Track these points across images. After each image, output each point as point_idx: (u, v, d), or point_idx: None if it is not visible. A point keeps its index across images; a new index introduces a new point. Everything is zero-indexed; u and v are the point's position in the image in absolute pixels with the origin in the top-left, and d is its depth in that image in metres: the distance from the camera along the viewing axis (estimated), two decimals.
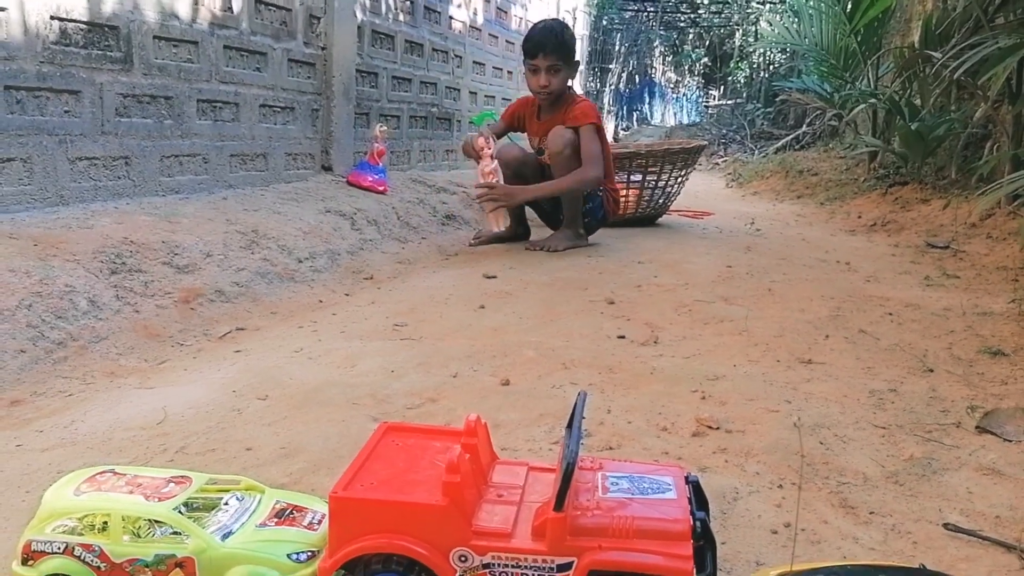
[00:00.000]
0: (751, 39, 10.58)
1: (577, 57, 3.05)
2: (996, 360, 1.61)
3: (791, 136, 7.53)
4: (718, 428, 1.24)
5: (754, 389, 1.43)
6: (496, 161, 2.79)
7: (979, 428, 1.24)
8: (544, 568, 0.69)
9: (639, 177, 3.69)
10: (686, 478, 0.78)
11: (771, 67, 10.16)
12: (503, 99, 5.15)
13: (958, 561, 0.87)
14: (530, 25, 5.78)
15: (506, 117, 3.21)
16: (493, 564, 0.70)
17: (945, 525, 0.94)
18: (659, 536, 0.69)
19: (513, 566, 0.69)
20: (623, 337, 1.78)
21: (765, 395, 1.40)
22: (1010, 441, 1.20)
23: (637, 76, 13.27)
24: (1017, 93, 3.19)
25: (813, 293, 2.24)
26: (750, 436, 1.22)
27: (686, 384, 1.45)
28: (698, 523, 0.70)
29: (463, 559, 0.70)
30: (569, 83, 3.08)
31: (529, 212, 3.27)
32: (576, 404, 0.79)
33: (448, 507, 0.70)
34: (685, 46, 13.04)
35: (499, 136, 3.09)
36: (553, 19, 3.32)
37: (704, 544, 0.70)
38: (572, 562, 0.68)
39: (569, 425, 0.77)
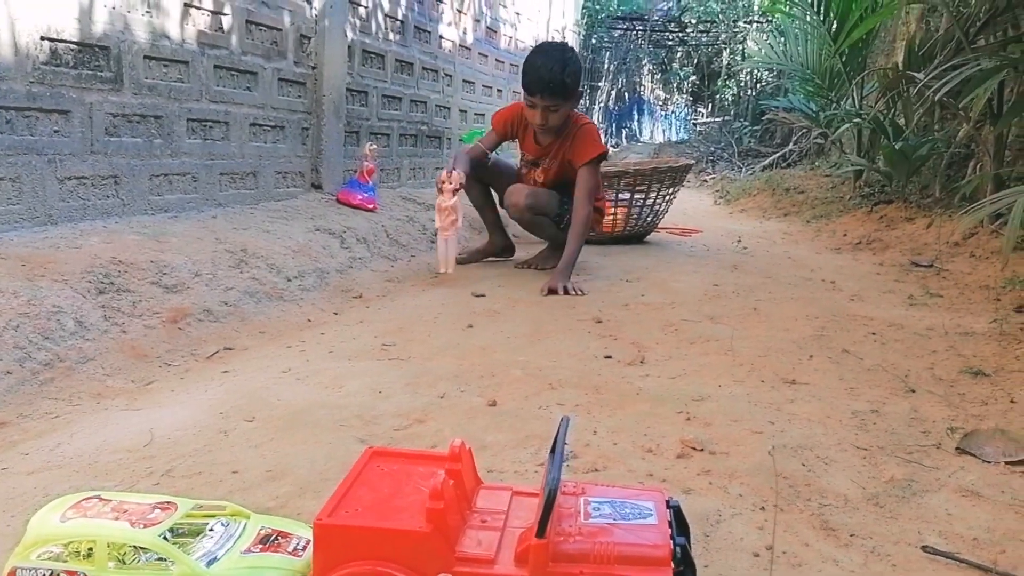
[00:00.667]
0: (738, 58, 10.69)
1: (580, 87, 2.82)
2: (977, 380, 1.63)
3: (778, 154, 7.61)
4: (702, 450, 1.25)
5: (738, 410, 1.44)
6: (457, 197, 2.63)
7: (959, 449, 1.26)
8: None
9: (627, 195, 3.72)
10: (667, 502, 0.79)
11: (758, 86, 10.27)
12: None
13: None
14: (519, 45, 5.79)
15: (498, 127, 2.97)
16: None
17: (924, 548, 0.95)
18: (640, 562, 0.69)
19: None
20: (610, 357, 1.79)
21: (749, 416, 1.41)
22: (989, 463, 1.21)
23: (626, 94, 13.39)
24: (998, 113, 3.24)
25: (798, 312, 2.26)
26: (734, 458, 1.23)
27: (671, 405, 1.46)
28: (678, 548, 0.71)
29: None
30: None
31: (516, 228, 3.28)
32: (559, 429, 0.80)
33: (431, 533, 0.71)
34: (673, 64, 13.16)
35: (492, 150, 2.95)
36: (557, 49, 2.80)
37: (684, 569, 0.71)
38: None
39: (553, 450, 0.78)
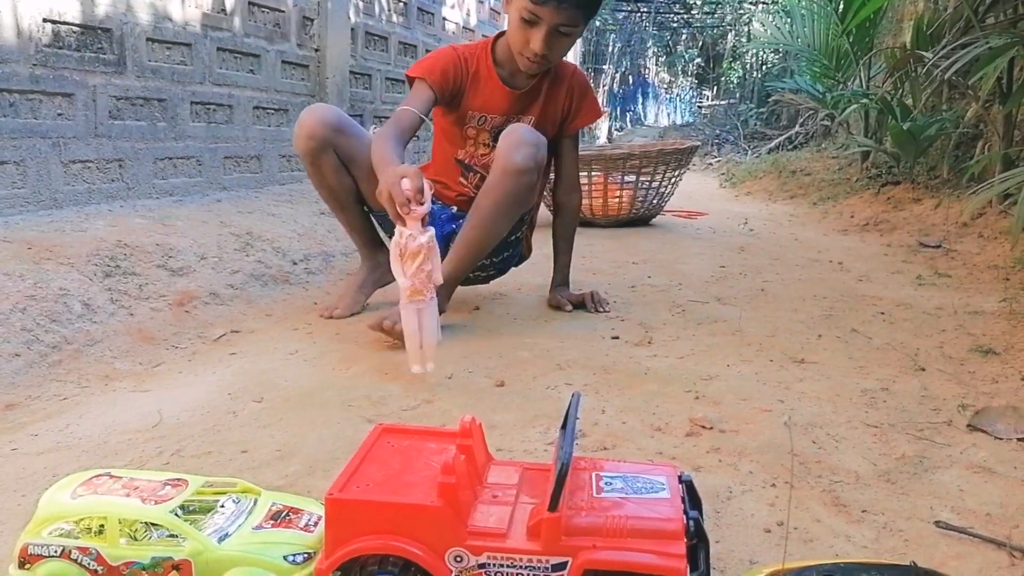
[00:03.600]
0: (744, 40, 10.61)
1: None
2: (987, 359, 1.62)
3: (784, 136, 7.56)
4: (712, 428, 1.25)
5: (747, 389, 1.44)
6: (432, 229, 1.40)
7: (970, 426, 1.26)
8: (539, 568, 0.69)
9: (633, 178, 3.70)
10: (679, 477, 0.79)
11: (764, 67, 10.20)
12: None
13: (949, 559, 0.88)
14: None
15: (434, 75, 1.82)
16: (489, 564, 0.70)
17: (936, 523, 0.95)
18: (653, 535, 0.69)
19: (508, 566, 0.70)
20: (617, 338, 1.79)
21: (758, 395, 1.41)
22: (1000, 439, 1.21)
23: (631, 77, 13.32)
24: (1007, 92, 3.21)
25: (806, 293, 2.25)
26: (743, 436, 1.22)
27: (680, 384, 1.46)
28: (691, 522, 0.71)
29: (459, 559, 0.71)
30: None
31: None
32: (570, 404, 0.80)
33: (443, 508, 0.70)
34: (678, 47, 13.09)
35: (427, 114, 1.82)
36: None
37: (697, 543, 0.71)
38: (567, 562, 0.69)
39: (563, 426, 0.78)
